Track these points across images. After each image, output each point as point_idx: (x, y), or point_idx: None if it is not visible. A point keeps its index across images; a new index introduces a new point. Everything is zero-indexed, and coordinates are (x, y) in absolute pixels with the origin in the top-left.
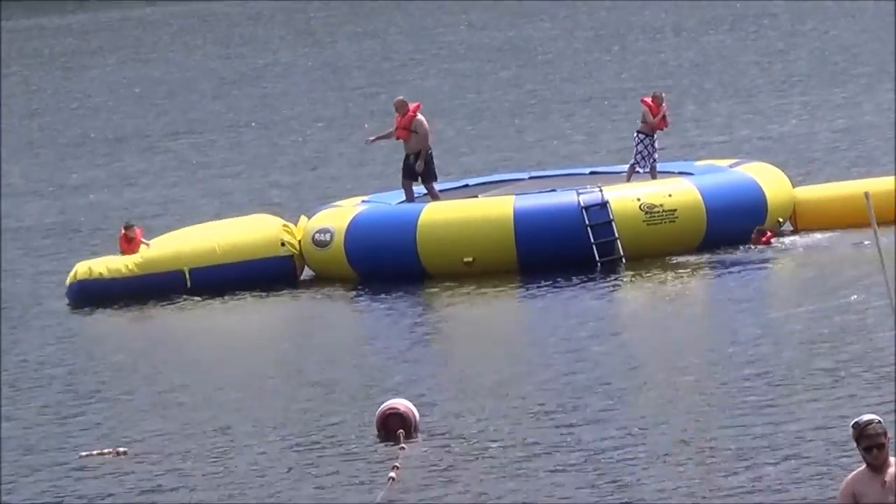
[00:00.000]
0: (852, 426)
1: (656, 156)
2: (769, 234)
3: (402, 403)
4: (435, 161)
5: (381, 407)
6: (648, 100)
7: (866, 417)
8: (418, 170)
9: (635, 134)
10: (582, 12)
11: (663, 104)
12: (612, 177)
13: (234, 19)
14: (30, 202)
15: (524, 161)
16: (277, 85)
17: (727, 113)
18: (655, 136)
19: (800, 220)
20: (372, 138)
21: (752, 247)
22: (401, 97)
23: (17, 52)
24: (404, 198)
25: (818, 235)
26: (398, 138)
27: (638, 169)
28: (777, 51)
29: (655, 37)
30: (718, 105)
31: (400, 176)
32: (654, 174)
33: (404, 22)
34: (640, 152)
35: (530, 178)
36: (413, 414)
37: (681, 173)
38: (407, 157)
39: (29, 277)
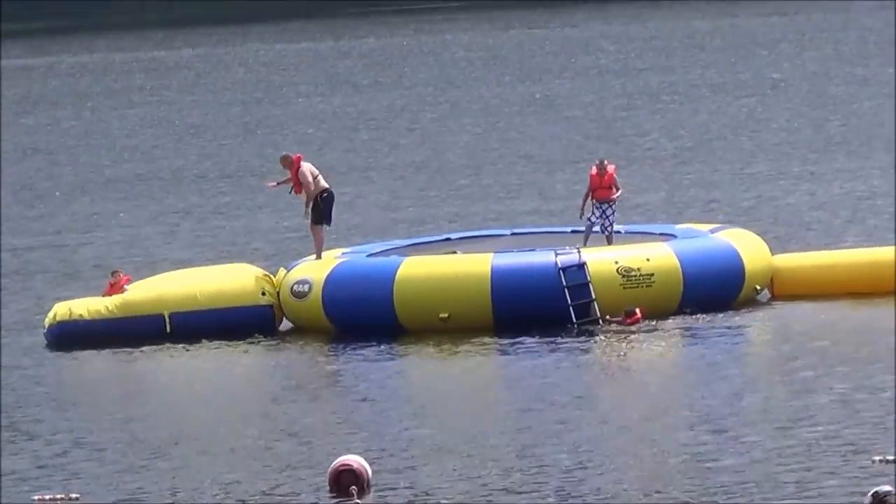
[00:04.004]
0: (871, 495)
1: (609, 222)
2: (636, 315)
3: (355, 460)
4: (419, 209)
5: (335, 463)
6: (594, 170)
7: (886, 488)
8: (306, 217)
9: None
10: (611, 70)
11: (607, 172)
12: (594, 237)
13: (259, 63)
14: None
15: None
16: (294, 132)
17: (719, 176)
18: (610, 203)
19: (777, 287)
20: (272, 183)
21: (616, 324)
22: (284, 153)
23: (35, 90)
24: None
25: (794, 305)
26: (296, 193)
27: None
28: (791, 118)
29: (667, 100)
30: (712, 167)
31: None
32: (609, 240)
33: (427, 74)
34: (589, 218)
35: (512, 234)
36: (366, 470)
37: (662, 234)
38: (313, 204)
39: (10, 317)
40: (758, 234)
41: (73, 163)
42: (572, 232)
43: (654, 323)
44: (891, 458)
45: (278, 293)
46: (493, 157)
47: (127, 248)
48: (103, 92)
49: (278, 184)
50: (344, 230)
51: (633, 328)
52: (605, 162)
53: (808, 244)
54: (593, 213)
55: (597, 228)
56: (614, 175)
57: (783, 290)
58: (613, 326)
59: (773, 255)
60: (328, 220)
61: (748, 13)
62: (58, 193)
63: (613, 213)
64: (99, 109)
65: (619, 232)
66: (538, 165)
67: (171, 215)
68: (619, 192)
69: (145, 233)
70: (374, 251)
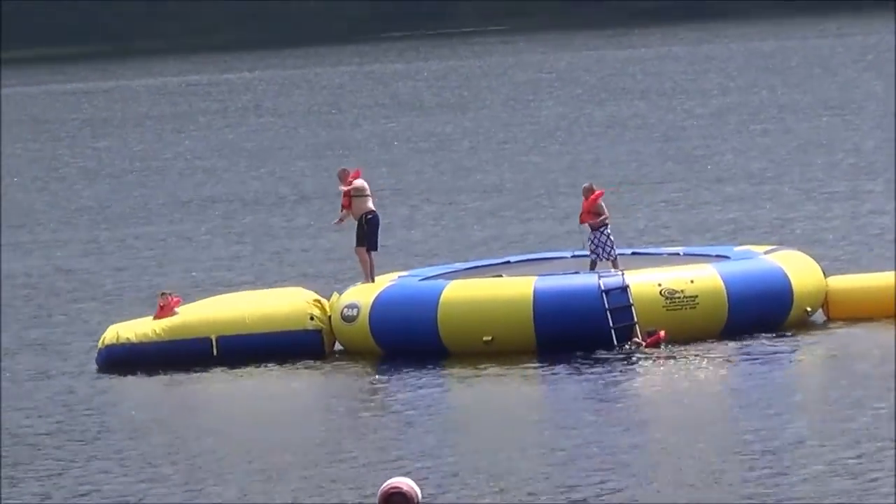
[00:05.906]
0: None
1: (601, 248)
2: (658, 335)
3: (405, 482)
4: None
5: (384, 485)
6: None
7: None
8: (337, 224)
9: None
10: (680, 91)
11: (590, 197)
12: (656, 258)
13: (323, 86)
14: (83, 261)
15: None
16: (360, 155)
17: (786, 197)
18: (603, 228)
19: (832, 309)
20: (336, 221)
21: (635, 347)
22: (343, 167)
23: (100, 114)
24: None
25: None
26: (343, 208)
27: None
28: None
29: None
30: (780, 188)
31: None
32: (614, 264)
33: (495, 96)
34: (590, 246)
35: (573, 256)
36: (416, 493)
37: (717, 256)
38: (357, 224)
39: (64, 340)
40: (813, 256)
41: (138, 185)
42: (633, 254)
43: (698, 346)
44: None
45: (329, 317)
46: (560, 178)
47: (188, 271)
48: (165, 115)
49: (341, 220)
50: (409, 253)
51: (677, 351)
52: (592, 186)
53: (867, 266)
54: (590, 243)
55: (594, 255)
56: (598, 200)
57: (838, 312)
58: (666, 354)
59: (827, 276)
60: (373, 244)
61: (812, 33)
62: (118, 217)
63: (606, 237)
64: (161, 133)
65: (677, 254)
66: (605, 186)
67: (234, 237)
68: (602, 217)
69: (207, 255)
70: (429, 275)
